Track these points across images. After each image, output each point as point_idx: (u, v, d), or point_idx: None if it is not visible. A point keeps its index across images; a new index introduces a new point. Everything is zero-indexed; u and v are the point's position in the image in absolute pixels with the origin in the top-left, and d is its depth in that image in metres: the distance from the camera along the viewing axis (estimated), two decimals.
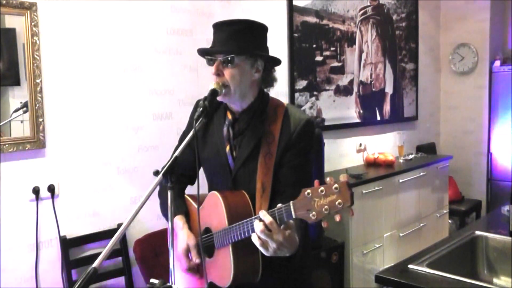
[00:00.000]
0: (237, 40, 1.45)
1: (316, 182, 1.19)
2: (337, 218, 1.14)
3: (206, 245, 1.53)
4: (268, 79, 1.57)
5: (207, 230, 1.55)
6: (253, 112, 1.54)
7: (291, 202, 1.22)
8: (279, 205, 1.27)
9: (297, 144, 1.50)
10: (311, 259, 1.71)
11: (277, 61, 1.56)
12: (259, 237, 1.26)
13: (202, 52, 1.52)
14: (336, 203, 1.12)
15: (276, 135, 1.50)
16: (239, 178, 1.54)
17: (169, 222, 1.29)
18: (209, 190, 1.63)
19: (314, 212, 1.16)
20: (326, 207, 1.14)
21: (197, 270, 1.58)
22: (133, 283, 2.56)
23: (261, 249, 1.29)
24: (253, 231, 1.30)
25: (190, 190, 1.73)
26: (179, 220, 1.61)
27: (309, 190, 1.18)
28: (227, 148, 1.56)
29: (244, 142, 1.53)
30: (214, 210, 1.50)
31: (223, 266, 1.46)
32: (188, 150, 1.36)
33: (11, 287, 2.21)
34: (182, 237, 1.57)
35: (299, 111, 1.61)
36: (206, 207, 1.56)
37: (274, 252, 1.28)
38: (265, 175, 1.48)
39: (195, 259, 1.54)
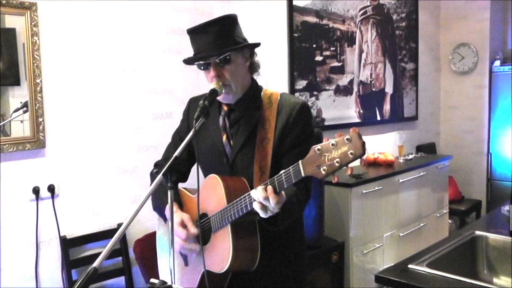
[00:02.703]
0: (226, 37, 1.46)
1: (325, 138, 1.18)
2: (348, 171, 1.14)
3: (202, 231, 1.52)
4: (254, 65, 1.59)
5: (203, 216, 1.54)
6: (248, 100, 1.56)
7: (299, 161, 1.21)
8: (282, 171, 1.27)
9: (295, 128, 1.51)
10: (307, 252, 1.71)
11: (257, 45, 1.58)
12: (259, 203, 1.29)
13: (195, 60, 1.50)
14: (348, 153, 1.11)
15: (272, 120, 1.52)
16: (237, 164, 1.55)
17: (169, 222, 1.29)
18: None
19: (324, 167, 1.15)
20: (337, 159, 1.13)
21: (196, 241, 1.51)
22: (133, 283, 2.56)
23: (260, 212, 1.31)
24: (253, 205, 1.31)
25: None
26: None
27: (319, 146, 1.17)
28: (224, 137, 1.57)
29: (241, 129, 1.55)
30: (212, 193, 1.50)
31: (220, 249, 1.45)
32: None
33: (11, 287, 2.21)
34: (175, 217, 1.53)
35: (293, 97, 1.63)
36: (202, 192, 1.55)
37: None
38: (263, 159, 1.49)
39: (193, 230, 1.49)
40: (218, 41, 1.45)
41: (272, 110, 1.53)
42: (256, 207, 1.30)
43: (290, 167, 1.25)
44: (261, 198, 1.27)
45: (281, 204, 1.30)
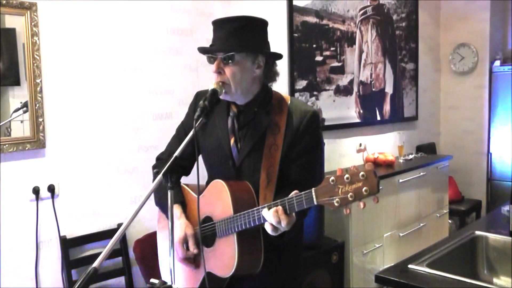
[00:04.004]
0: (237, 38, 1.45)
1: (339, 169, 1.21)
2: (361, 205, 1.17)
3: (205, 234, 1.53)
4: (270, 74, 1.57)
5: (207, 219, 1.54)
6: (258, 104, 1.55)
7: (312, 188, 1.23)
8: (295, 192, 1.29)
9: (304, 137, 1.51)
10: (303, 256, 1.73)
11: (278, 56, 1.56)
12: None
13: (203, 50, 1.53)
14: (363, 190, 1.14)
15: (282, 126, 1.51)
16: (244, 169, 1.54)
17: (169, 222, 1.29)
18: (209, 181, 1.62)
19: (337, 199, 1.18)
20: (351, 194, 1.16)
21: (192, 260, 1.57)
22: (133, 283, 2.56)
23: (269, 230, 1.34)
24: (263, 220, 1.34)
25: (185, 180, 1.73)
26: (175, 210, 1.58)
27: (333, 177, 1.19)
28: (232, 140, 1.56)
29: (250, 133, 1.54)
30: (217, 198, 1.50)
31: (225, 255, 1.46)
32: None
33: (11, 287, 2.21)
34: (179, 227, 1.55)
35: (303, 104, 1.62)
36: (207, 195, 1.55)
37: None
38: (271, 166, 1.49)
39: (193, 249, 1.53)
40: (229, 39, 1.45)
41: (282, 116, 1.52)
42: (268, 228, 1.33)
43: (303, 193, 1.26)
44: (274, 222, 1.29)
45: (292, 224, 1.32)
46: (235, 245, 1.42)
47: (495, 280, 2.04)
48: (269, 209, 1.31)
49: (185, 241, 1.54)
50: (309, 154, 1.51)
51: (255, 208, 1.37)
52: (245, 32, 1.47)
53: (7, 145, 2.16)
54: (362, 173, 1.14)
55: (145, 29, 2.64)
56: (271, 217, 1.29)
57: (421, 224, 3.97)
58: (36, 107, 2.24)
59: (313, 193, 1.23)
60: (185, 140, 1.33)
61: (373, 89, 4.26)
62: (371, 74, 4.22)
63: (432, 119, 5.18)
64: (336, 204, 1.18)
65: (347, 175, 1.17)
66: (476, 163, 5.01)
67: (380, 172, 3.62)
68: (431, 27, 5.08)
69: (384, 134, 4.42)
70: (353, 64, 4.01)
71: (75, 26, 2.38)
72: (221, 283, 1.51)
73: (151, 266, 2.46)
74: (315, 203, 1.23)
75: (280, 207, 1.29)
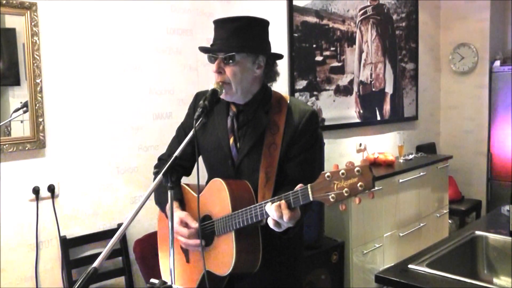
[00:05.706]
0: (238, 38, 1.46)
1: (335, 165, 1.21)
2: (357, 200, 1.17)
3: (204, 232, 1.53)
4: (270, 74, 1.57)
5: (206, 217, 1.54)
6: (257, 103, 1.55)
7: (308, 185, 1.23)
8: (299, 186, 1.28)
9: (303, 136, 1.51)
10: (304, 256, 1.73)
11: (279, 56, 1.57)
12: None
13: (204, 50, 1.53)
14: (358, 185, 1.14)
15: (281, 126, 1.51)
16: (243, 168, 1.54)
17: (169, 222, 1.29)
18: (209, 180, 1.62)
19: (333, 194, 1.18)
20: (346, 189, 1.16)
21: (198, 236, 1.52)
22: (133, 283, 2.56)
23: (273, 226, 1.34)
24: (261, 216, 1.34)
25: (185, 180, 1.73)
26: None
27: (329, 173, 1.19)
28: (231, 139, 1.57)
29: (249, 132, 1.54)
30: (216, 197, 1.50)
31: (223, 253, 1.46)
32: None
33: (11, 287, 2.21)
34: (175, 215, 1.54)
35: (302, 103, 1.63)
36: (206, 194, 1.56)
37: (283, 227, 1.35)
38: (269, 165, 1.49)
39: (193, 224, 1.50)
40: (230, 39, 1.45)
41: (281, 115, 1.53)
42: (270, 222, 1.33)
43: (299, 189, 1.26)
44: (277, 217, 1.29)
45: (295, 220, 1.31)
46: (233, 243, 1.42)
47: (495, 280, 2.05)
48: (272, 203, 1.31)
49: (183, 223, 1.53)
50: (308, 152, 1.51)
51: (257, 204, 1.37)
52: (246, 32, 1.47)
53: (7, 145, 2.16)
54: (357, 168, 1.14)
55: (145, 29, 2.64)
56: (273, 212, 1.29)
57: (421, 224, 3.97)
58: (36, 107, 2.24)
59: (309, 189, 1.23)
60: (185, 139, 1.33)
61: (373, 89, 4.26)
62: (371, 74, 4.22)
63: (432, 119, 5.18)
64: (331, 200, 1.18)
65: (342, 171, 1.16)
66: (476, 163, 5.01)
67: (380, 172, 3.62)
68: (431, 27, 5.08)
69: (384, 134, 4.43)
70: (353, 64, 4.01)
71: (75, 26, 2.38)
72: (220, 282, 1.51)
73: (151, 266, 2.46)
74: (311, 199, 1.23)
75: (283, 201, 1.30)
